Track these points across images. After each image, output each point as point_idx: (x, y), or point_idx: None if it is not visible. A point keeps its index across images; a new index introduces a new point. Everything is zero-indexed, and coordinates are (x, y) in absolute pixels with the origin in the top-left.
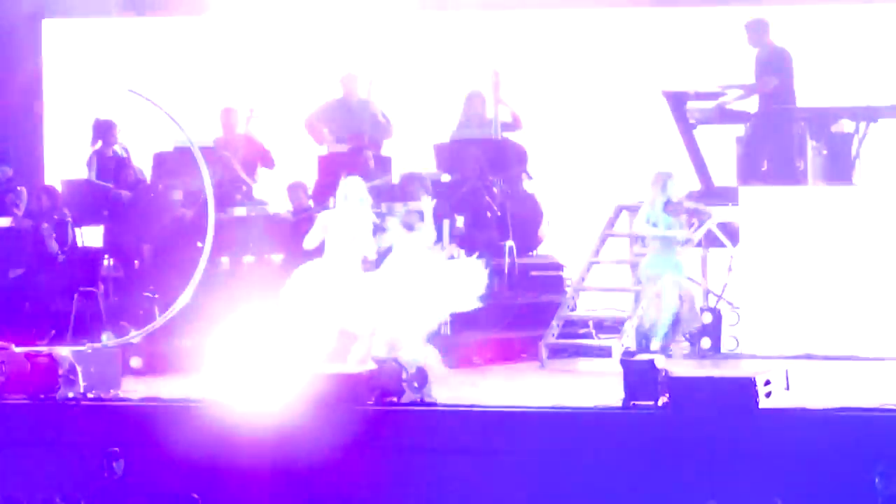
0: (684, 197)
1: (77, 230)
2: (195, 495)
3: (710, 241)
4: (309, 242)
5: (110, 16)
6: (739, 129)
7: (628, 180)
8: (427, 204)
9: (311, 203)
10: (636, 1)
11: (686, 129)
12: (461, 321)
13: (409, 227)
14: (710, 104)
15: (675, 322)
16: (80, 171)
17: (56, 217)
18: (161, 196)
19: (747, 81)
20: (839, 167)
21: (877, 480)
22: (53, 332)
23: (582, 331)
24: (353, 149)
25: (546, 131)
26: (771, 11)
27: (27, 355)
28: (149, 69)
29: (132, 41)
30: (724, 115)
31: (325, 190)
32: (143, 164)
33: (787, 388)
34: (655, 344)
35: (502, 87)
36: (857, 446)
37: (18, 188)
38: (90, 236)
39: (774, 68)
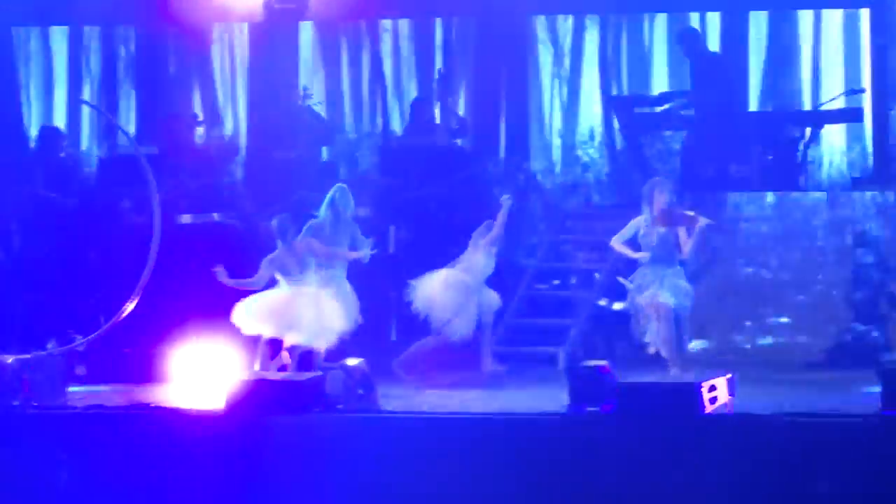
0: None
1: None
2: None
3: None
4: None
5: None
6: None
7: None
8: None
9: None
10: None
11: (631, 134)
12: (408, 329)
13: None
14: (655, 110)
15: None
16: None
17: None
18: (109, 204)
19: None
20: (785, 172)
21: (821, 485)
22: None
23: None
24: (296, 157)
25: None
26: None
27: None
28: (95, 77)
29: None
30: (671, 122)
31: (271, 197)
32: (88, 172)
33: (732, 395)
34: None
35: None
36: (800, 451)
37: None
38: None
39: (711, 77)
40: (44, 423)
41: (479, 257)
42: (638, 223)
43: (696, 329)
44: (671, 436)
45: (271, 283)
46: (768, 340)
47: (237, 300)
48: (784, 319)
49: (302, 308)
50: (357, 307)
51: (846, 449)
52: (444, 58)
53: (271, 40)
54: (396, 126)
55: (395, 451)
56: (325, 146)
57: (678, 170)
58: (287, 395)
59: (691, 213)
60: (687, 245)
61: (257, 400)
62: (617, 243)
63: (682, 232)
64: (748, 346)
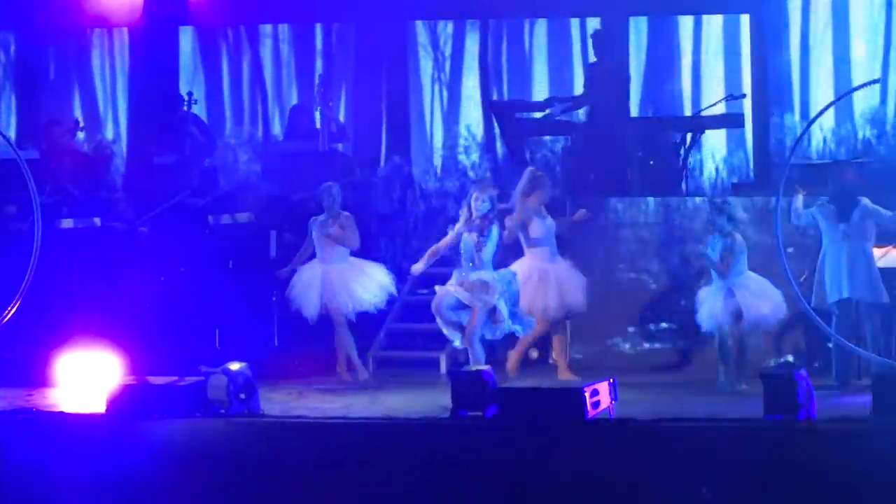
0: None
1: None
2: None
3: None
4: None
5: None
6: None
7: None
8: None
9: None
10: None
11: (512, 139)
12: (288, 334)
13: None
14: (537, 115)
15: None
16: None
17: None
18: None
19: (576, 93)
20: (666, 177)
21: (703, 490)
22: None
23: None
24: (180, 162)
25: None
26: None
27: None
28: None
29: None
30: (552, 127)
31: (151, 203)
32: None
33: (615, 399)
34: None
35: (330, 98)
36: (683, 457)
37: None
38: None
39: (607, 81)
40: None
41: None
42: (458, 228)
43: (579, 334)
44: (554, 440)
45: None
46: (650, 346)
47: (116, 306)
48: (665, 325)
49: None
50: None
51: (728, 454)
52: (325, 63)
53: (151, 45)
54: (277, 131)
55: (276, 456)
56: (208, 153)
57: (559, 174)
58: (169, 399)
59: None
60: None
61: (139, 403)
62: (431, 250)
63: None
64: (631, 352)
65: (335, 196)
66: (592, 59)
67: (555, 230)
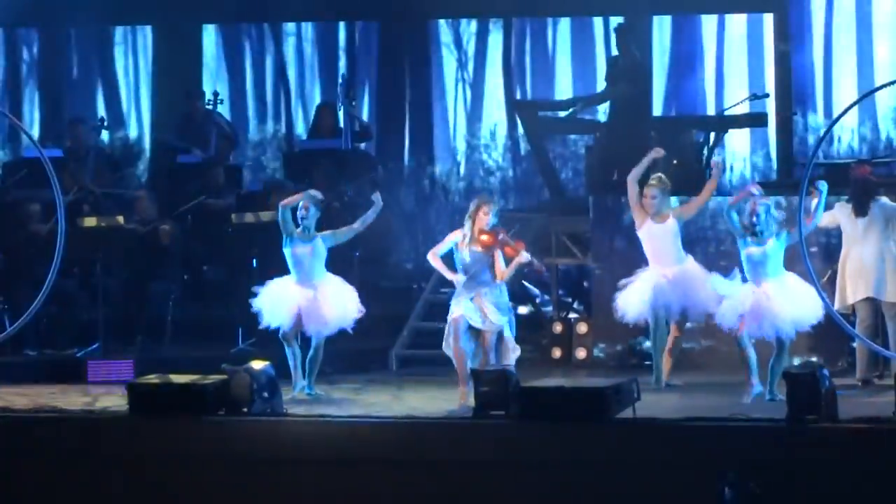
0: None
1: None
2: None
3: (562, 251)
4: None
5: None
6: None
7: None
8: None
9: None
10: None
11: (537, 139)
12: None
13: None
14: (561, 114)
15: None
16: None
17: None
18: (16, 207)
19: (598, 90)
20: (689, 176)
21: (725, 490)
22: None
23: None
24: (204, 161)
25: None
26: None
27: None
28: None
29: None
30: (575, 125)
31: (175, 201)
32: None
33: (638, 398)
34: None
35: (353, 97)
36: (706, 456)
37: None
38: None
39: (630, 77)
40: None
41: None
42: (456, 237)
43: (601, 333)
44: (577, 440)
45: None
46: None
47: (139, 305)
48: (688, 324)
49: None
50: None
51: (752, 454)
52: (348, 61)
53: (175, 43)
54: (301, 130)
55: (298, 454)
56: (232, 151)
57: (582, 174)
58: (192, 398)
59: (514, 245)
60: (503, 273)
61: (163, 402)
62: (433, 257)
63: (498, 257)
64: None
65: (312, 214)
66: (615, 52)
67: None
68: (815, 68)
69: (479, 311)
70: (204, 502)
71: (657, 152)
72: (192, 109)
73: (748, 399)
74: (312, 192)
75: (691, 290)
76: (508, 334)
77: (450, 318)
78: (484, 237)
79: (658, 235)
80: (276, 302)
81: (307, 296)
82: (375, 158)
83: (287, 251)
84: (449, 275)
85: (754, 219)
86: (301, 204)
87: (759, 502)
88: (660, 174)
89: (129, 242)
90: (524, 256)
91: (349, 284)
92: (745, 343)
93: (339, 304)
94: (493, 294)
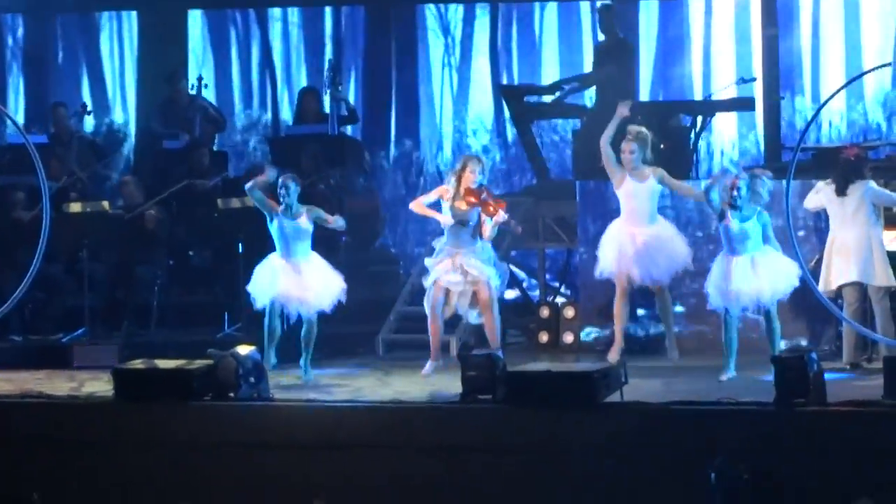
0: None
1: None
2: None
3: (549, 236)
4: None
5: None
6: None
7: None
8: None
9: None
10: None
11: (522, 123)
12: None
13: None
14: (547, 98)
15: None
16: None
17: None
18: (0, 194)
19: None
20: (677, 160)
21: (713, 474)
22: None
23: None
24: (189, 144)
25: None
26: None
27: None
28: None
29: None
30: (562, 110)
31: (160, 186)
32: None
33: (625, 382)
34: None
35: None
36: (694, 440)
37: None
38: None
39: (615, 58)
40: None
41: None
42: (441, 192)
43: (589, 317)
44: (564, 424)
45: None
46: (660, 329)
47: (125, 290)
48: (679, 308)
49: None
50: None
51: (739, 437)
52: (334, 46)
53: (160, 28)
54: (286, 115)
55: (285, 439)
56: (218, 133)
57: (570, 158)
58: (178, 383)
59: (494, 204)
60: (486, 231)
61: (148, 387)
62: (418, 205)
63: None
64: (641, 334)
65: (293, 190)
66: (601, 37)
67: None
68: (802, 52)
69: (457, 271)
70: (190, 487)
71: (622, 111)
72: (175, 93)
73: (724, 377)
74: (268, 166)
75: (657, 253)
76: (496, 283)
77: (429, 281)
78: (469, 196)
79: (636, 194)
80: (263, 279)
81: (291, 273)
82: (362, 144)
83: (272, 226)
84: (437, 216)
85: (734, 192)
86: (280, 182)
87: (748, 486)
88: (637, 126)
89: (114, 228)
90: (501, 216)
91: (335, 270)
92: (731, 325)
93: (322, 284)
94: (473, 252)
